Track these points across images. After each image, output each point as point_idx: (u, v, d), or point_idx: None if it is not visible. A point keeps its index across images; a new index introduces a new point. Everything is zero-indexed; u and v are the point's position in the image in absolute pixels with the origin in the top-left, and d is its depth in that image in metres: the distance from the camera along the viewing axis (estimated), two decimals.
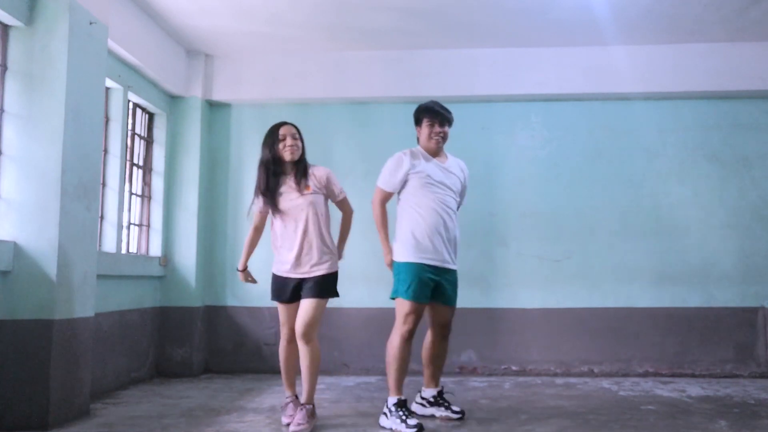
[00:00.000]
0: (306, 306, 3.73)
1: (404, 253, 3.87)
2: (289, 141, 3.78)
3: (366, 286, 5.92)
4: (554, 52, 5.96)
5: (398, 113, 6.09)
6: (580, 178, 6.05)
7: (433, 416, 4.00)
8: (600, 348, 5.85)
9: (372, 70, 6.06)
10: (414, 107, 4.17)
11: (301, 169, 3.83)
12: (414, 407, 4.07)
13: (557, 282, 5.93)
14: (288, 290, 3.81)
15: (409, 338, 3.82)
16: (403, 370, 3.82)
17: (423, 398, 4.08)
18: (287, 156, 3.78)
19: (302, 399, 3.82)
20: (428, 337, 4.06)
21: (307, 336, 3.71)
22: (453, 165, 4.09)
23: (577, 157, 6.07)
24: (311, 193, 3.81)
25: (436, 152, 4.04)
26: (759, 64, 5.81)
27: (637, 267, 5.92)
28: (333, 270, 3.83)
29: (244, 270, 4.05)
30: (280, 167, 3.82)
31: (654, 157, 6.04)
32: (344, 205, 4.01)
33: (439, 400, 4.04)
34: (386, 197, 4.03)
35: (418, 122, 4.08)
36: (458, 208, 4.13)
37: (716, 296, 5.85)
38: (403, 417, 3.66)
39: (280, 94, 6.12)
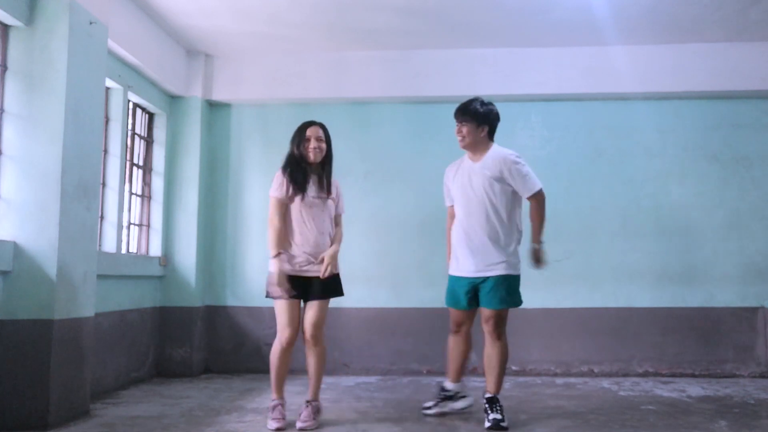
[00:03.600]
0: (317, 306, 3.83)
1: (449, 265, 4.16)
2: (313, 143, 3.87)
3: (366, 286, 5.92)
4: (554, 52, 5.95)
5: (398, 113, 6.10)
6: (580, 178, 6.05)
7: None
8: (600, 348, 5.85)
9: (372, 70, 6.05)
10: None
11: (327, 171, 3.93)
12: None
13: (557, 282, 5.92)
14: (298, 287, 3.79)
15: (452, 333, 4.17)
16: (460, 361, 4.19)
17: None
18: (311, 157, 3.87)
19: (309, 396, 3.88)
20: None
21: (317, 337, 3.82)
22: (485, 164, 3.92)
23: (577, 157, 6.07)
24: (331, 198, 3.93)
25: (472, 153, 4.00)
26: (759, 64, 5.81)
27: (637, 267, 5.91)
28: (337, 271, 3.93)
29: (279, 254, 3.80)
30: (305, 165, 3.89)
31: (654, 157, 6.03)
32: (339, 222, 4.05)
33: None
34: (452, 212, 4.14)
35: None
36: (528, 195, 3.90)
37: (716, 296, 5.85)
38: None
39: (280, 94, 6.12)
